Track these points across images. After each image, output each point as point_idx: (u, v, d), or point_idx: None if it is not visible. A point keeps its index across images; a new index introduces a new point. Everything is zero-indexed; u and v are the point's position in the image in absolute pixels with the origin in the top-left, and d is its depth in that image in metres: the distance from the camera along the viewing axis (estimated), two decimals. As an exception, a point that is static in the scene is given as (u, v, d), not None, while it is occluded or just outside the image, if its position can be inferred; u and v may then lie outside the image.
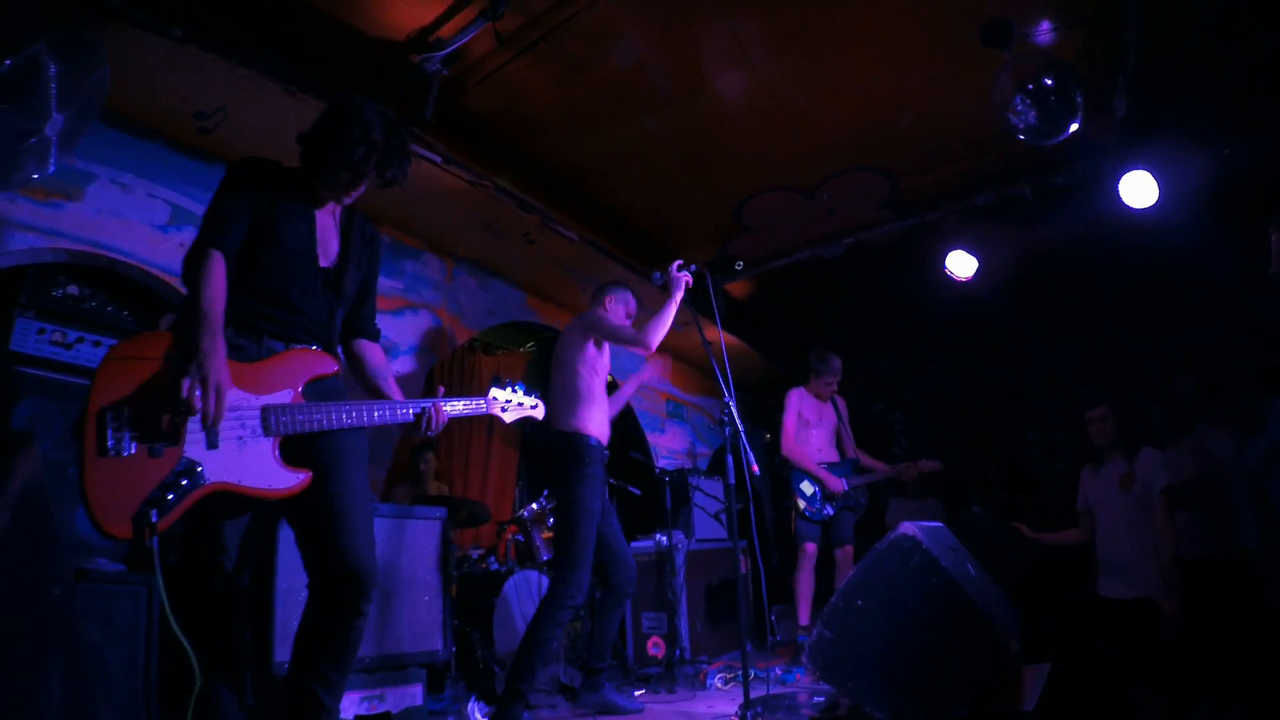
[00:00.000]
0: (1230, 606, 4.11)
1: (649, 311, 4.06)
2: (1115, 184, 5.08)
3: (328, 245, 2.53)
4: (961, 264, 5.99)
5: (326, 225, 2.55)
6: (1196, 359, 4.73)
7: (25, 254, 3.56)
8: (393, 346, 5.24)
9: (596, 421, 4.01)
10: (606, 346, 4.21)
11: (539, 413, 2.90)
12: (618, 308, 4.35)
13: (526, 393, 2.87)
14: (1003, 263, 6.23)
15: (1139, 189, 5.04)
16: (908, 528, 3.11)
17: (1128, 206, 5.10)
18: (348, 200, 2.57)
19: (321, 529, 2.24)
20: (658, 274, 4.02)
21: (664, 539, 5.68)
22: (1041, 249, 6.46)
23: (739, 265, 4.58)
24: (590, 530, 3.77)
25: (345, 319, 2.58)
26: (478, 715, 3.67)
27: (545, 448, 4.11)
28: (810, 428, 5.76)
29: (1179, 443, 4.77)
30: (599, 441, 4.00)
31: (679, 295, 3.92)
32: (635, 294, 4.48)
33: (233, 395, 2.13)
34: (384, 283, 5.18)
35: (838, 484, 5.59)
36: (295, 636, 2.28)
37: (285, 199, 2.43)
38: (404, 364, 5.31)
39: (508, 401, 2.80)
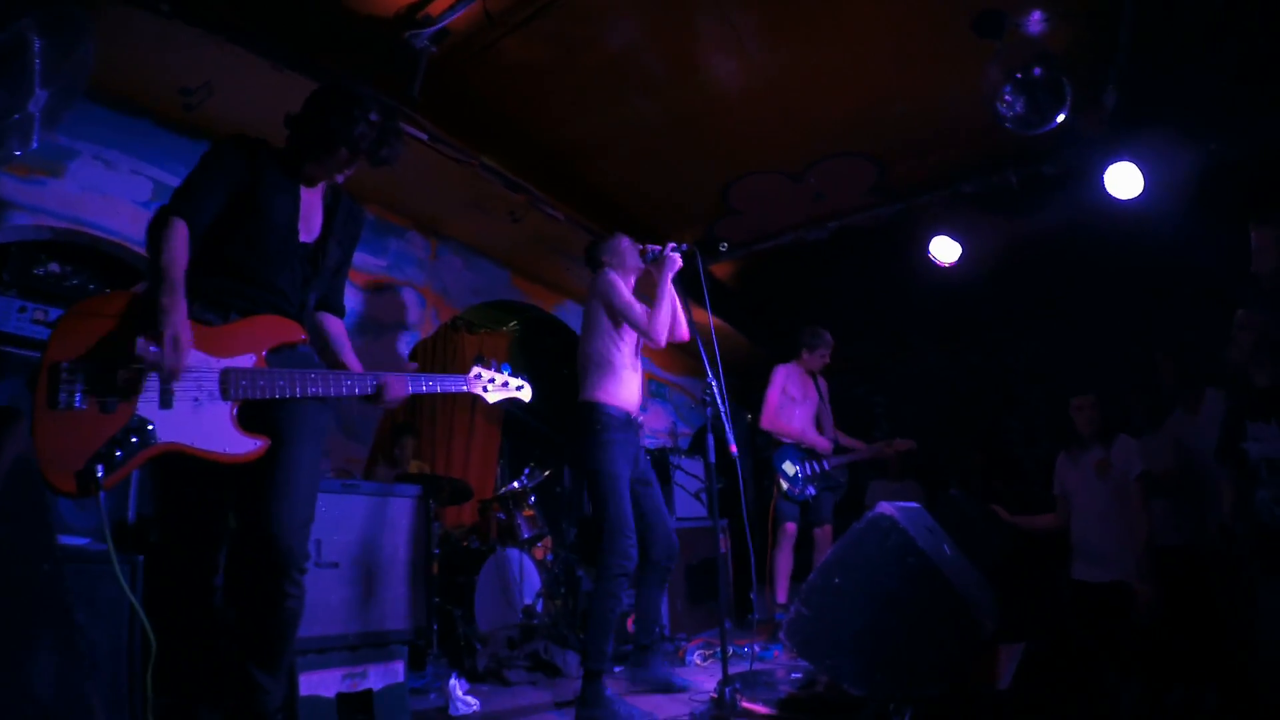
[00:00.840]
0: (1204, 592, 4.20)
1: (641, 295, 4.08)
2: (1101, 175, 5.12)
3: (310, 221, 2.54)
4: (945, 249, 6.05)
5: (311, 202, 2.56)
6: (1175, 349, 4.79)
7: (7, 231, 3.54)
8: (376, 324, 5.24)
9: (615, 390, 3.86)
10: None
11: (525, 395, 2.88)
12: (624, 272, 4.09)
13: (511, 374, 2.85)
14: (988, 250, 6.28)
15: (1125, 180, 5.08)
16: (885, 508, 3.16)
17: (1113, 198, 5.15)
18: (339, 179, 2.58)
19: (256, 500, 2.20)
20: (654, 247, 4.01)
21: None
22: (1026, 237, 6.50)
23: (723, 247, 4.61)
24: (620, 494, 3.70)
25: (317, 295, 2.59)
26: (459, 692, 3.71)
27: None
28: (795, 405, 5.81)
29: (1155, 431, 4.85)
30: (620, 409, 3.84)
31: (670, 275, 3.93)
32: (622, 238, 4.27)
33: (193, 357, 2.12)
34: (368, 260, 5.18)
35: (826, 444, 5.67)
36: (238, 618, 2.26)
37: (271, 175, 2.44)
38: (386, 342, 5.31)
39: (490, 381, 2.79)
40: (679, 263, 3.97)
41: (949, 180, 5.63)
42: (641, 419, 3.99)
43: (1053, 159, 5.32)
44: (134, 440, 2.02)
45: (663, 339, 3.86)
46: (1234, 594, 3.92)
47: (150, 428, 2.05)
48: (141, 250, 3.95)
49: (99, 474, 1.94)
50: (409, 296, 5.53)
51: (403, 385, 2.49)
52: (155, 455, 2.06)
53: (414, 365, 2.68)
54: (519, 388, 2.87)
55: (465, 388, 2.73)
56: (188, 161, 4.09)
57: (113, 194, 3.93)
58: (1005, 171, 5.43)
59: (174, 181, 4.07)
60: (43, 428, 1.94)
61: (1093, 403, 4.80)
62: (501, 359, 7.94)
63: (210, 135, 4.26)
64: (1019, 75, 4.11)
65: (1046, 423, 7.62)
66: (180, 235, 2.19)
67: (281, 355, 2.34)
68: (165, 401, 2.09)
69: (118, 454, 1.99)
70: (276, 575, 2.19)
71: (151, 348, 2.02)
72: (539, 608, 5.25)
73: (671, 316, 3.99)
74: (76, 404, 1.98)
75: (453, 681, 3.76)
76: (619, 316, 3.92)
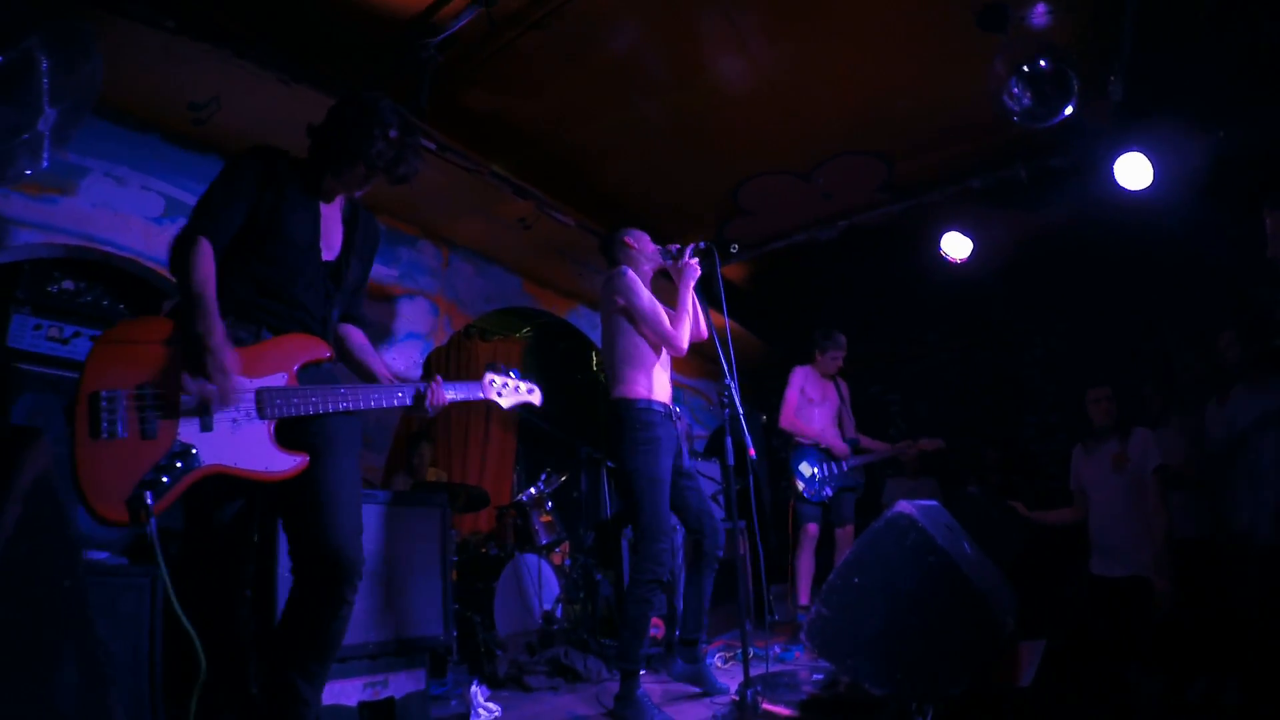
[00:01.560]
0: (1224, 585, 4.16)
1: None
2: (1110, 167, 5.10)
3: (331, 238, 2.54)
4: (957, 245, 6.03)
5: (331, 218, 2.56)
6: (1195, 340, 4.74)
7: (20, 249, 3.57)
8: (389, 334, 5.25)
9: (645, 383, 3.75)
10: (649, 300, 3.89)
11: (535, 398, 2.89)
12: (640, 269, 3.98)
13: (521, 379, 2.86)
14: (998, 245, 6.26)
15: (1134, 171, 5.06)
16: (904, 506, 3.13)
17: (1123, 189, 5.12)
18: (357, 194, 2.58)
19: (308, 514, 2.22)
20: (675, 246, 3.94)
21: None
22: (1037, 231, 6.48)
23: (734, 248, 4.61)
24: (659, 498, 3.60)
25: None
26: (480, 699, 3.71)
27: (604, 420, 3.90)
28: (814, 406, 5.79)
29: (1171, 423, 4.82)
30: (652, 403, 3.72)
31: (691, 283, 3.87)
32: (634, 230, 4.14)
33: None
34: (380, 270, 5.20)
35: (843, 447, 5.66)
36: (279, 625, 2.27)
37: (291, 191, 2.43)
38: (400, 351, 5.33)
39: (504, 386, 2.80)
40: (698, 271, 3.89)
41: (958, 176, 5.60)
42: (679, 411, 3.94)
43: (1061, 151, 5.29)
44: (179, 465, 2.03)
45: (685, 347, 3.77)
46: (1258, 586, 3.88)
47: (194, 451, 2.06)
48: (154, 265, 3.99)
49: (149, 500, 1.94)
50: (421, 305, 5.54)
51: (441, 393, 2.53)
52: (200, 478, 2.07)
53: (438, 376, 2.66)
54: (530, 391, 2.89)
55: (482, 394, 2.75)
56: (198, 176, 4.21)
57: (124, 210, 3.96)
58: (1014, 165, 5.40)
59: (185, 196, 4.14)
60: (86, 458, 1.94)
61: (1109, 394, 4.78)
62: (515, 365, 7.97)
63: (220, 149, 4.29)
64: (1025, 69, 4.08)
65: (1061, 417, 7.58)
66: (207, 255, 2.21)
67: (309, 373, 2.35)
68: (206, 425, 2.10)
69: (164, 480, 2.00)
70: (339, 584, 2.21)
71: (192, 382, 2.05)
72: (558, 613, 5.25)
73: (693, 319, 3.94)
74: (119, 433, 1.99)
75: (474, 688, 3.76)
76: (639, 322, 3.80)
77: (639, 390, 3.73)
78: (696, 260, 3.90)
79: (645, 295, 3.81)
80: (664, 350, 3.88)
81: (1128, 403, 4.96)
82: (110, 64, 3.19)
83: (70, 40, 2.91)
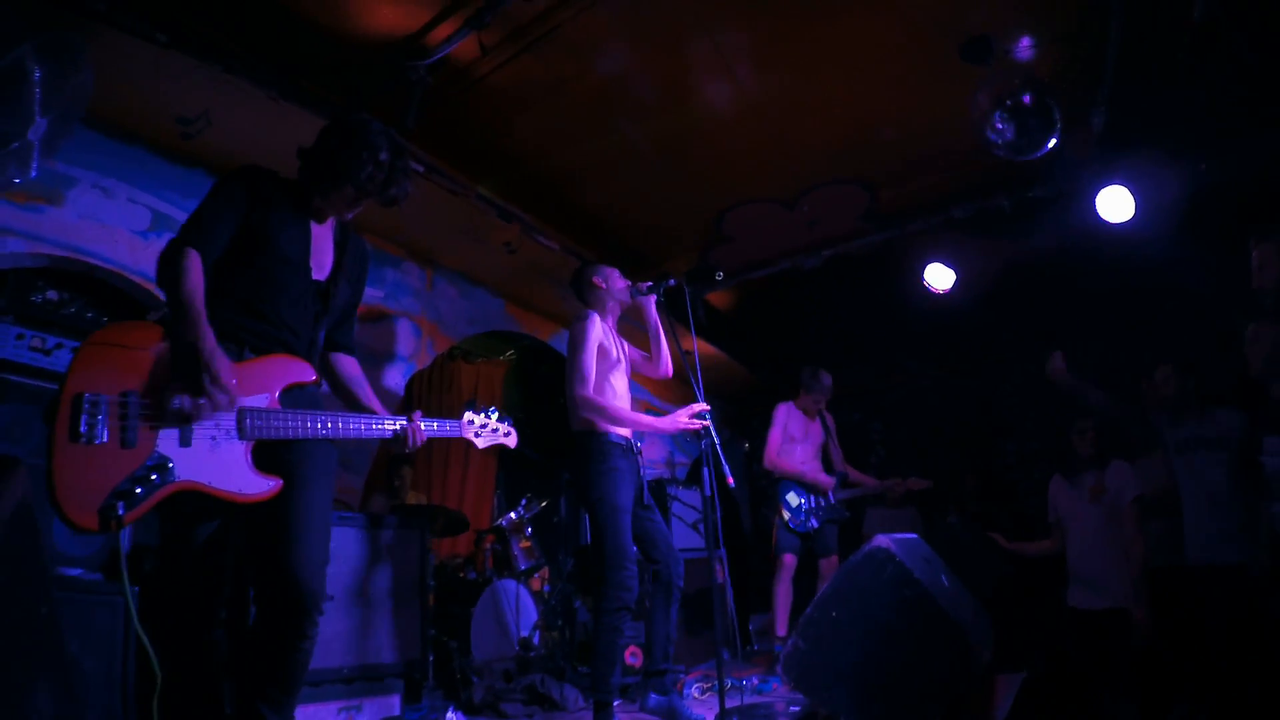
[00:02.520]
0: (1201, 614, 4.21)
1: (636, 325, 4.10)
2: (1092, 198, 5.18)
3: (322, 258, 2.55)
4: (940, 277, 6.10)
5: (322, 238, 2.56)
6: (1179, 366, 4.82)
7: (4, 258, 3.56)
8: (371, 355, 5.26)
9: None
10: (610, 348, 4.00)
11: (511, 441, 2.92)
12: (606, 308, 4.08)
13: (500, 419, 2.88)
14: (980, 274, 6.32)
15: (1116, 204, 5.14)
16: (882, 540, 3.16)
17: (1104, 220, 5.20)
18: (348, 216, 2.59)
19: (274, 543, 2.21)
20: (645, 285, 4.03)
21: (641, 548, 5.72)
22: (1019, 261, 6.54)
23: (719, 275, 4.65)
24: (621, 526, 3.69)
25: (326, 334, 2.59)
26: (455, 724, 3.70)
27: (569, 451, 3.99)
28: (795, 443, 5.86)
29: (1151, 454, 4.89)
30: (619, 435, 3.85)
31: (652, 314, 4.05)
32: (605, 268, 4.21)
33: None
34: (365, 291, 5.21)
35: (827, 480, 5.71)
36: (242, 653, 2.26)
37: (282, 208, 2.45)
38: (383, 372, 5.33)
39: (482, 426, 2.82)
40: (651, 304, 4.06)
41: (941, 205, 5.67)
42: (640, 446, 3.99)
43: (1043, 182, 5.36)
44: (154, 478, 2.01)
45: (595, 407, 3.80)
46: (1238, 611, 3.95)
47: (170, 465, 2.05)
48: (139, 279, 3.99)
49: (120, 511, 1.92)
50: (404, 327, 5.56)
51: (420, 432, 2.53)
52: (173, 494, 2.06)
53: (419, 413, 2.66)
54: (507, 434, 2.90)
55: (461, 434, 2.77)
56: (185, 190, 4.22)
57: (110, 222, 3.96)
58: (996, 196, 5.47)
59: (171, 210, 4.16)
60: (63, 460, 1.91)
61: (1094, 425, 4.84)
62: (498, 389, 7.97)
63: (207, 164, 4.31)
64: (1008, 102, 4.16)
65: (1041, 445, 7.64)
66: (196, 266, 2.20)
67: (293, 396, 2.35)
68: (185, 440, 2.09)
69: (138, 491, 1.98)
70: (299, 617, 2.20)
71: (181, 391, 2.05)
72: (535, 640, 5.24)
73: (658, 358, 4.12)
74: (98, 438, 1.97)
75: (449, 715, 3.74)
76: (574, 369, 3.86)
77: (600, 424, 3.84)
78: (653, 298, 4.02)
79: (588, 352, 3.86)
80: (625, 385, 4.01)
81: (1109, 433, 5.02)
82: (101, 75, 3.21)
83: (62, 50, 2.93)
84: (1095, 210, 5.19)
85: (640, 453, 3.98)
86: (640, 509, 3.89)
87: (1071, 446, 4.96)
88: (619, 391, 3.98)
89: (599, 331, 3.94)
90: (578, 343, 3.88)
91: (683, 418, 3.71)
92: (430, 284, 5.82)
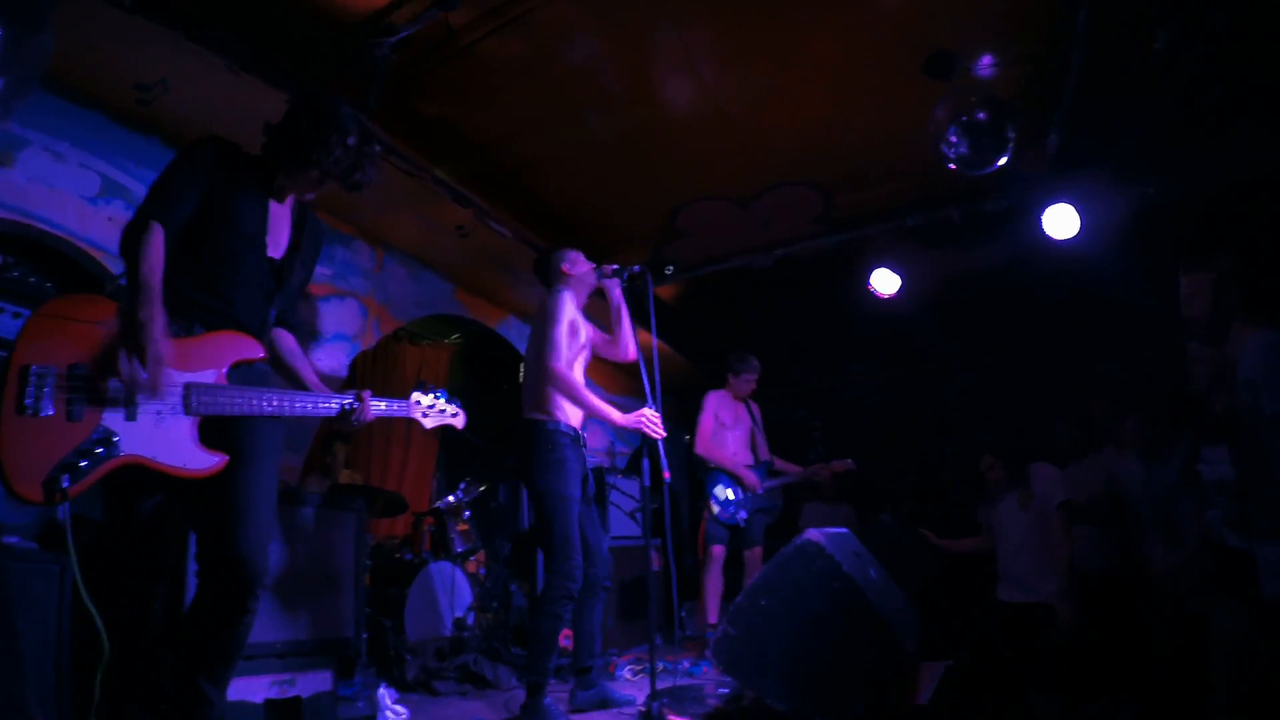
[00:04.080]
0: (1125, 614, 4.46)
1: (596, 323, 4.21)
2: (1040, 215, 5.41)
3: (279, 236, 2.58)
4: (885, 281, 6.31)
5: (280, 216, 2.60)
6: (1111, 384, 5.08)
7: (-50, 219, 3.53)
8: (317, 333, 5.27)
9: (563, 407, 3.93)
10: (580, 328, 4.07)
11: (459, 422, 2.94)
12: (577, 290, 4.13)
13: (448, 400, 2.90)
14: (928, 282, 6.56)
15: (1062, 221, 5.38)
16: (813, 534, 3.32)
17: (1050, 237, 5.44)
18: (308, 196, 2.62)
19: (220, 520, 2.25)
20: (610, 267, 4.11)
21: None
22: (966, 271, 6.79)
23: (669, 270, 4.75)
24: (569, 516, 3.76)
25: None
26: (388, 701, 3.78)
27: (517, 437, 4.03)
28: (726, 430, 5.97)
29: (1081, 460, 5.14)
30: (560, 425, 3.90)
31: (617, 294, 4.13)
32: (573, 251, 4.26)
33: None
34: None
35: (755, 480, 5.82)
36: (181, 627, 2.30)
37: (243, 183, 2.47)
38: (328, 352, 5.34)
39: (430, 407, 2.84)
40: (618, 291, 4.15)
41: (894, 213, 5.85)
42: (584, 436, 4.08)
43: (995, 197, 5.57)
44: (99, 451, 2.05)
45: (565, 381, 3.83)
46: (1159, 615, 4.21)
47: (115, 439, 2.08)
48: (86, 247, 3.96)
49: (64, 484, 1.96)
50: (352, 307, 5.57)
51: (368, 410, 2.56)
52: (118, 467, 2.09)
53: (368, 392, 2.69)
54: (455, 415, 2.92)
55: (409, 414, 2.78)
56: (138, 158, 4.21)
57: (60, 187, 3.92)
58: (948, 207, 5.67)
59: (122, 178, 4.14)
60: (8, 432, 1.96)
61: (993, 463, 5.08)
62: (443, 372, 8.00)
63: (163, 132, 4.29)
64: (964, 118, 4.32)
65: (979, 447, 7.90)
66: (158, 242, 2.23)
67: (240, 372, 2.38)
68: (131, 414, 2.12)
69: (83, 464, 2.01)
70: (243, 594, 2.25)
71: (126, 366, 2.06)
72: (470, 621, 5.32)
73: (622, 342, 4.18)
74: (44, 410, 2.00)
75: (381, 691, 3.82)
76: (546, 341, 3.89)
77: (553, 412, 3.90)
78: (618, 282, 4.11)
79: (561, 325, 3.93)
80: (583, 374, 4.07)
81: (1041, 439, 5.25)
82: (62, 37, 3.17)
83: (24, 9, 2.90)
84: (1041, 227, 5.43)
85: (585, 444, 4.06)
86: (582, 504, 3.96)
87: (986, 482, 5.17)
88: (582, 365, 4.07)
89: (572, 309, 4.01)
90: (552, 315, 3.92)
91: (646, 418, 3.79)
92: (380, 265, 5.84)
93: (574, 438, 3.94)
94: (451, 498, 5.77)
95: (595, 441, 8.26)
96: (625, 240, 6.31)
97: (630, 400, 8.87)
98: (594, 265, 4.18)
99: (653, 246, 6.45)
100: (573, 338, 3.99)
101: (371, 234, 5.75)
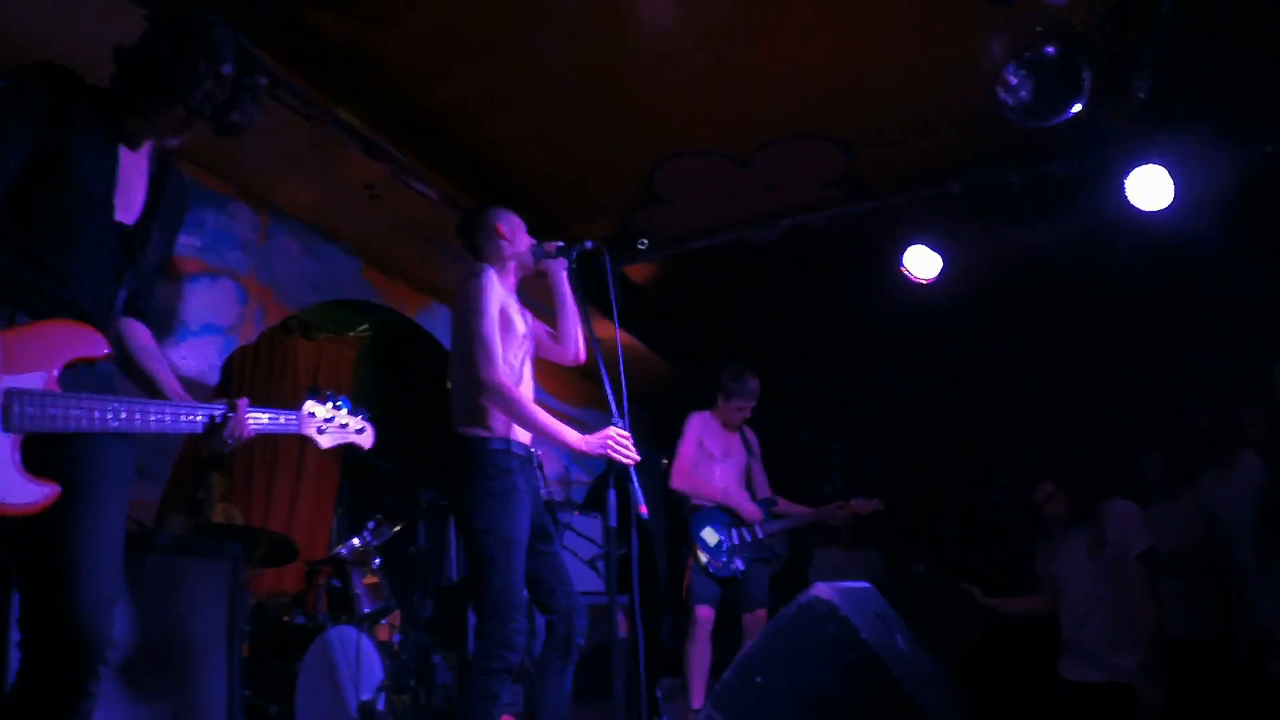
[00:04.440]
0: (1225, 696, 4.48)
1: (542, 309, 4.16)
2: (1122, 180, 5.44)
3: (131, 196, 2.52)
4: (922, 262, 6.31)
5: (134, 169, 2.54)
6: (1209, 398, 5.07)
7: None
8: (181, 324, 5.20)
9: (502, 417, 3.76)
10: (513, 318, 3.94)
11: (365, 440, 2.89)
12: (505, 267, 4.05)
13: (351, 412, 2.84)
14: (976, 265, 6.58)
15: (1151, 188, 5.40)
16: (822, 590, 3.31)
17: (1135, 208, 5.47)
18: (171, 143, 2.57)
19: (47, 571, 2.18)
20: (553, 245, 4.03)
21: (521, 591, 5.80)
22: (1025, 251, 6.83)
23: (643, 244, 4.72)
24: (513, 565, 3.62)
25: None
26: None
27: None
28: (714, 462, 5.96)
29: (1172, 497, 5.16)
30: (510, 443, 3.77)
31: (562, 281, 4.06)
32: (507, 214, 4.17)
33: None
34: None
35: (753, 509, 5.82)
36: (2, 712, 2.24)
37: (85, 127, 2.41)
38: (194, 349, 5.26)
39: (326, 421, 2.77)
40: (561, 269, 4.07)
41: (934, 176, 5.86)
42: (540, 457, 4.00)
43: (1064, 157, 5.56)
44: None
45: (505, 393, 3.70)
46: (1271, 698, 4.24)
47: None
48: None
49: None
50: (227, 289, 5.49)
51: (245, 423, 2.50)
52: None
53: (244, 401, 2.65)
54: (359, 430, 2.87)
55: (300, 429, 2.73)
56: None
57: None
58: (1004, 169, 5.67)
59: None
60: None
61: (1053, 492, 5.04)
62: (346, 374, 7.94)
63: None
64: (1027, 54, 4.35)
65: (1038, 478, 7.93)
66: None
67: (77, 373, 2.30)
68: None
69: None
70: (78, 669, 2.18)
71: None
72: (380, 705, 5.29)
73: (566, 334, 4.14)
74: None
75: (264, 798, 3.79)
76: (475, 341, 3.72)
77: (494, 426, 3.76)
78: (564, 263, 4.04)
79: (490, 319, 3.77)
80: (529, 374, 4.01)
81: (1123, 469, 5.27)
82: None
83: None
84: (1125, 196, 5.44)
85: (541, 465, 4.00)
86: (539, 542, 3.86)
87: (1044, 519, 5.15)
88: (523, 379, 3.96)
89: (499, 292, 3.86)
90: (474, 306, 3.75)
91: (612, 440, 3.66)
92: (265, 234, 5.77)
93: (525, 459, 3.84)
94: (357, 541, 5.72)
95: (546, 468, 8.23)
96: (586, 206, 6.31)
97: (590, 413, 8.85)
98: (533, 241, 4.08)
99: (622, 214, 6.44)
100: (507, 331, 3.84)
101: (254, 194, 5.67)
